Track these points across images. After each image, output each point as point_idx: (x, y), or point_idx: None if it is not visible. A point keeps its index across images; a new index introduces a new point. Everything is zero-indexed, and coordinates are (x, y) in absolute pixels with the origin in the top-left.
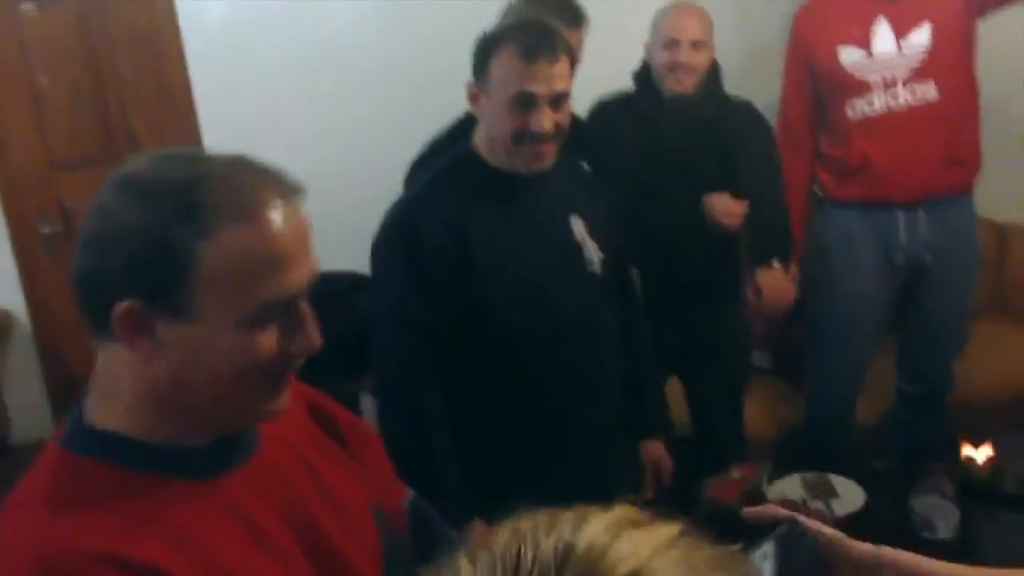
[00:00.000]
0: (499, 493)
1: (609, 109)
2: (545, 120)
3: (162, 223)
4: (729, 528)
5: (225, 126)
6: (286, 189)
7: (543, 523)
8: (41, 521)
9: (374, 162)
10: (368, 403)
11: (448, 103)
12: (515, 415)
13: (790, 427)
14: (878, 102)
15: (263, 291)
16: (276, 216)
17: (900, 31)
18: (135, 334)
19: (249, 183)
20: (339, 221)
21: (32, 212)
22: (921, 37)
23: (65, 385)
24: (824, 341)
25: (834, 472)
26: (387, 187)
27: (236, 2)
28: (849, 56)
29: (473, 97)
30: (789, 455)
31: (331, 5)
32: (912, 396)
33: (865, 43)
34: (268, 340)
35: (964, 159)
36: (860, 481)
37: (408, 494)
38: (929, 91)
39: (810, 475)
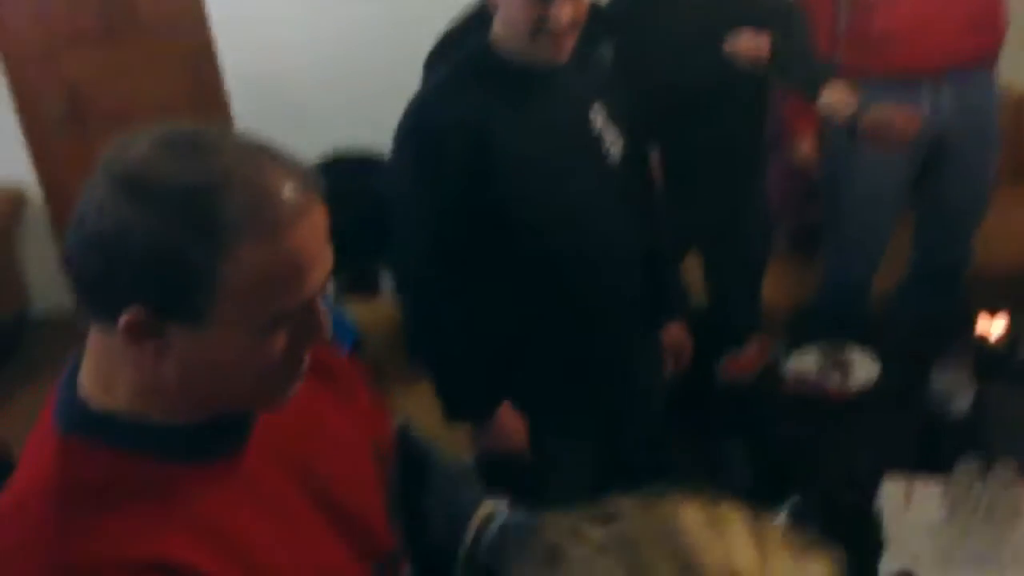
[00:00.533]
0: (520, 384)
1: None
2: (564, 9)
3: (176, 239)
4: (745, 404)
5: None
6: (306, 190)
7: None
8: (51, 522)
9: (394, 38)
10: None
11: None
12: (535, 305)
13: (804, 304)
14: None
15: (280, 303)
16: (297, 228)
17: None
18: (142, 338)
19: (268, 191)
20: (358, 98)
21: (38, 91)
22: None
23: None
24: (843, 215)
25: (849, 343)
26: (407, 65)
27: None
28: None
29: None
30: (802, 330)
31: None
32: (929, 270)
33: None
34: (280, 342)
35: (987, 26)
36: (875, 354)
37: (396, 421)
38: None
39: (826, 348)
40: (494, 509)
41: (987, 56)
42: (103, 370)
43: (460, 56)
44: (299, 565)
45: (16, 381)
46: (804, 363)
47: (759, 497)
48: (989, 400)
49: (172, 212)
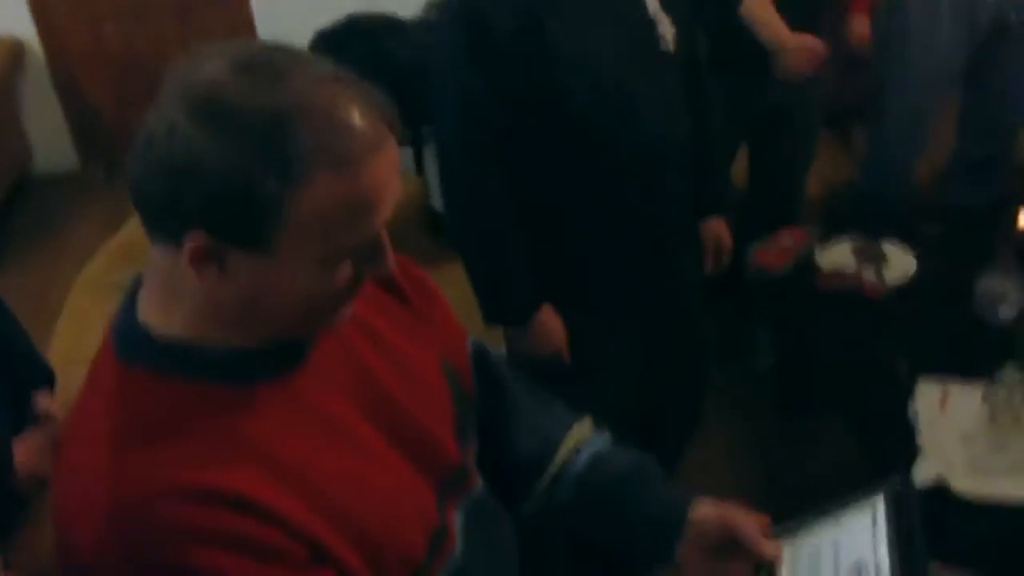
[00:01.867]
0: (566, 279)
1: None
2: None
3: (248, 167)
4: (776, 297)
5: None
6: (381, 123)
7: None
8: (111, 452)
9: None
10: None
11: None
12: (581, 196)
13: (838, 186)
14: None
15: (350, 238)
16: (370, 163)
17: None
18: (204, 263)
19: (343, 123)
20: None
21: None
22: None
23: (84, 114)
24: (891, 99)
25: (885, 236)
26: None
27: None
28: None
29: None
30: (835, 216)
31: None
32: (972, 158)
33: None
34: (344, 275)
35: None
36: (911, 247)
37: (470, 340)
38: None
39: (860, 241)
40: (588, 435)
41: None
42: (163, 293)
43: None
44: (359, 486)
45: (20, 238)
46: (838, 256)
47: (780, 388)
48: None
49: (244, 139)
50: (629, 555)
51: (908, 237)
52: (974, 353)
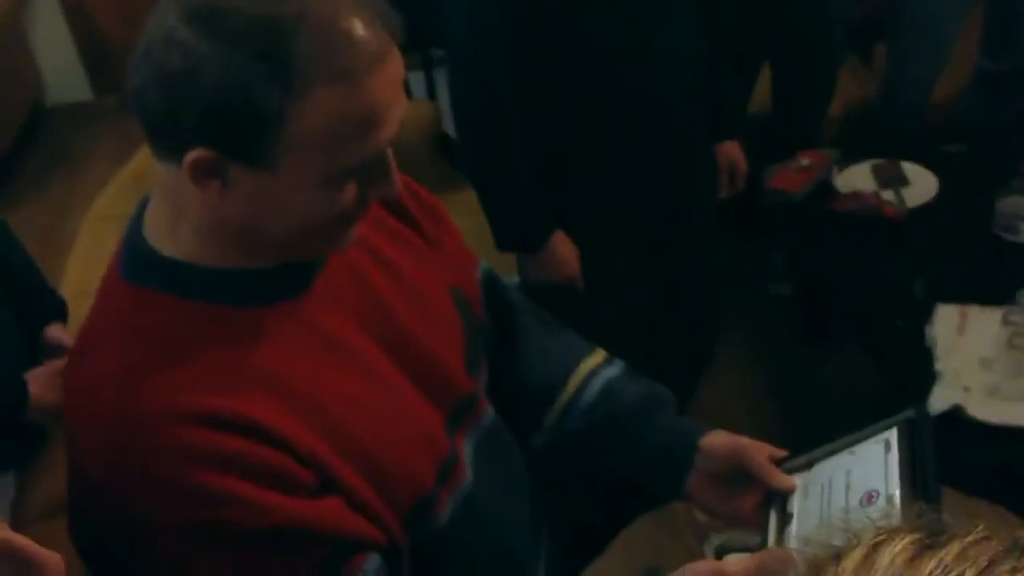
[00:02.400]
0: (573, 206)
1: None
2: None
3: (247, 76)
4: (792, 220)
5: None
6: (384, 35)
7: None
8: (117, 376)
9: None
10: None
11: None
12: (592, 119)
13: (858, 107)
14: None
15: (353, 154)
16: (372, 75)
17: None
18: (206, 178)
19: (345, 33)
20: None
21: None
22: None
23: (95, 44)
24: (908, 11)
25: (905, 157)
26: None
27: None
28: None
29: None
30: (855, 138)
31: None
32: (993, 73)
33: None
34: (350, 194)
35: None
36: (932, 167)
37: (480, 266)
38: None
39: (880, 162)
40: (600, 364)
41: None
42: (170, 212)
43: None
44: (369, 413)
45: (35, 170)
46: (857, 178)
47: (796, 314)
48: None
49: (244, 47)
50: (639, 485)
51: (928, 157)
52: (994, 275)
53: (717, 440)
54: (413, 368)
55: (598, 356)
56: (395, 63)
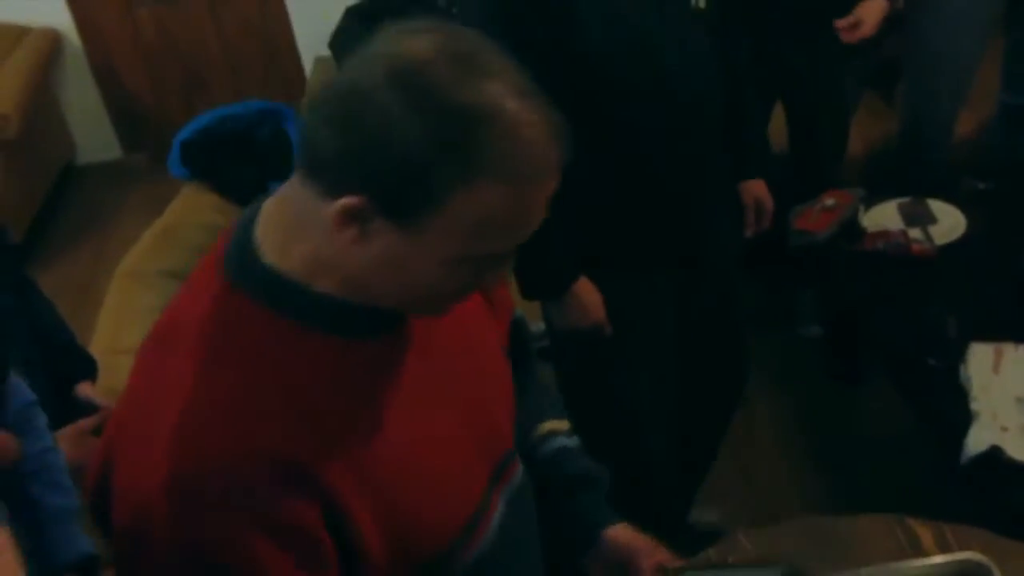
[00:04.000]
0: (600, 244)
1: None
2: None
3: (431, 152)
4: (820, 261)
5: None
6: (558, 153)
7: None
8: (196, 380)
9: None
10: None
11: None
12: (613, 161)
13: (880, 145)
14: None
15: (491, 246)
16: (536, 186)
17: None
18: (349, 222)
19: (531, 141)
20: None
21: None
22: None
23: (124, 103)
24: (927, 41)
25: (930, 194)
26: None
27: None
28: None
29: None
30: (879, 176)
31: None
32: (1016, 107)
33: None
34: (466, 277)
35: None
36: (959, 204)
37: (515, 312)
38: None
39: (907, 201)
40: (564, 429)
41: None
42: (288, 230)
43: None
44: (417, 464)
45: (67, 229)
46: (884, 216)
47: (827, 356)
48: None
49: (438, 124)
50: (553, 548)
51: (955, 194)
52: None
53: (620, 534)
54: (472, 423)
55: (564, 423)
56: (557, 179)
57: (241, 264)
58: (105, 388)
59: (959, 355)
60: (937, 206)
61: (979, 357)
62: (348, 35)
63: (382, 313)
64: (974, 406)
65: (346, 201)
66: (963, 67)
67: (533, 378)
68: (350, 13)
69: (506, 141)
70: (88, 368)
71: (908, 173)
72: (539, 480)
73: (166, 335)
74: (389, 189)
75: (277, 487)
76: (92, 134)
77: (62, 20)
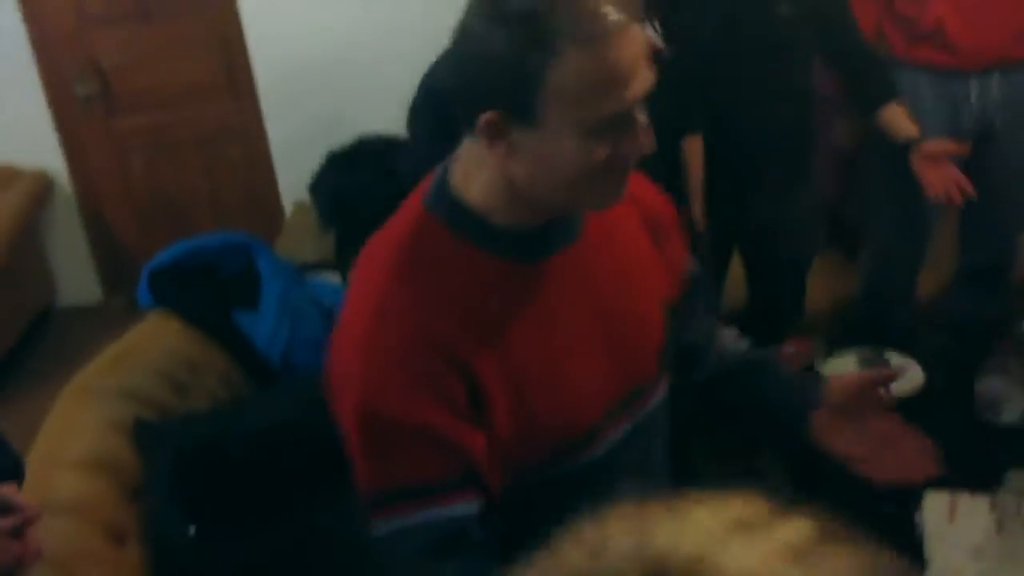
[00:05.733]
0: None
1: None
2: None
3: (520, 50)
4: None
5: None
6: (622, 12)
7: (630, 522)
8: (388, 280)
9: (423, 26)
10: None
11: None
12: None
13: (844, 300)
14: None
15: (602, 107)
16: (615, 39)
17: None
18: (494, 139)
19: (590, 9)
20: (386, 86)
21: (68, 72)
22: None
23: (110, 249)
24: (884, 214)
25: (892, 349)
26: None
27: None
28: None
29: None
30: (843, 329)
31: None
32: (974, 269)
33: None
34: (605, 147)
35: None
36: (919, 358)
37: (690, 269)
38: None
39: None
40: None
41: None
42: (467, 169)
43: None
44: (554, 369)
45: (39, 369)
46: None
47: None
48: None
49: (512, 26)
50: (774, 423)
51: (916, 348)
52: (980, 460)
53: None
54: (609, 350)
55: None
56: (635, 33)
57: (437, 192)
58: (37, 499)
59: (915, 503)
60: (896, 359)
61: (934, 506)
62: (326, 179)
63: (548, 239)
64: (929, 555)
65: (483, 119)
66: (919, 226)
67: (711, 326)
68: (331, 158)
69: (569, 15)
70: (14, 470)
71: (870, 328)
72: (751, 361)
73: (372, 250)
74: (504, 92)
75: (442, 367)
76: (74, 277)
77: (55, 162)
